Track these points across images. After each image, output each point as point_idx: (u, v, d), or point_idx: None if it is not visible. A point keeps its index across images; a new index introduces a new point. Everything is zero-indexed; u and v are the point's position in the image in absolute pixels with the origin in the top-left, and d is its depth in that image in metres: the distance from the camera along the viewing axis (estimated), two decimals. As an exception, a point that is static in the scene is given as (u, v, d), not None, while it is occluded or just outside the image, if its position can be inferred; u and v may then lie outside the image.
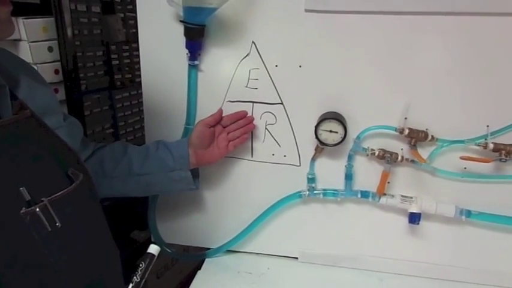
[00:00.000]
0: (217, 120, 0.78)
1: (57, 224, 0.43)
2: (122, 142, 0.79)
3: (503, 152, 0.72)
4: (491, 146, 0.72)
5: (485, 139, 0.73)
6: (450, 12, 0.69)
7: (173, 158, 0.74)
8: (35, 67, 0.92)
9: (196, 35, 0.75)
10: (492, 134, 0.73)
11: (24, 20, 0.88)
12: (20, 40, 0.90)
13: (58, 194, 0.44)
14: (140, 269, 0.49)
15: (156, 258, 0.51)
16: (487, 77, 0.72)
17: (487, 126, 0.74)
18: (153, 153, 0.76)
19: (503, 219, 0.77)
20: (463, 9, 0.68)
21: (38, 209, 0.42)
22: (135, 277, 0.50)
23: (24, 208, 0.41)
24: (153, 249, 0.52)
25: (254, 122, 0.82)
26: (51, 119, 0.55)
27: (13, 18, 0.85)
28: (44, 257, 0.43)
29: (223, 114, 0.79)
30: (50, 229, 0.43)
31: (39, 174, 0.45)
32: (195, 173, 0.79)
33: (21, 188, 0.41)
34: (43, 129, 0.47)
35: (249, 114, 0.81)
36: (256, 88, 0.80)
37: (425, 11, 0.70)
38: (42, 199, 0.43)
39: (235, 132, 0.79)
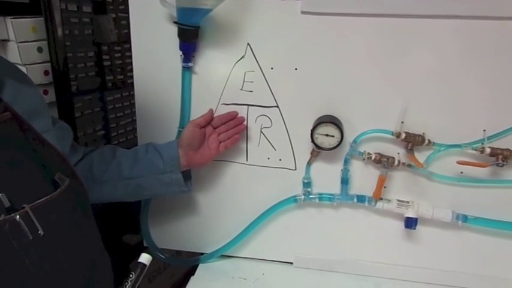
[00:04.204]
0: (208, 121, 0.77)
1: (39, 232, 0.41)
2: (111, 146, 0.77)
3: (500, 156, 0.72)
4: (488, 150, 0.72)
5: (482, 143, 0.73)
6: (447, 15, 0.69)
7: (163, 160, 0.73)
8: (24, 68, 0.90)
9: (191, 37, 0.74)
10: (489, 138, 0.73)
11: (13, 19, 0.85)
12: (8, 40, 0.88)
13: (41, 200, 0.42)
14: (130, 279, 0.47)
15: (147, 268, 0.50)
16: (484, 81, 0.71)
17: (484, 130, 0.73)
18: (142, 156, 0.74)
19: (499, 224, 0.77)
20: (460, 13, 0.68)
21: (18, 217, 0.40)
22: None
23: (3, 215, 0.39)
24: (144, 258, 0.50)
25: (249, 125, 0.81)
26: (39, 122, 0.53)
27: (1, 18, 0.84)
28: (24, 266, 0.41)
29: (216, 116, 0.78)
30: (31, 237, 0.41)
31: (20, 180, 0.43)
32: (187, 175, 0.78)
33: (0, 194, 0.40)
34: (27, 133, 0.45)
35: (244, 117, 0.80)
36: (251, 91, 0.79)
37: (422, 14, 0.69)
38: (23, 205, 0.41)
39: (226, 133, 0.78)
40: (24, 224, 0.40)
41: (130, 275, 0.48)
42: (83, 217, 0.50)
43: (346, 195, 0.81)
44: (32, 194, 0.42)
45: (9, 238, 0.40)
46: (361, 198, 0.80)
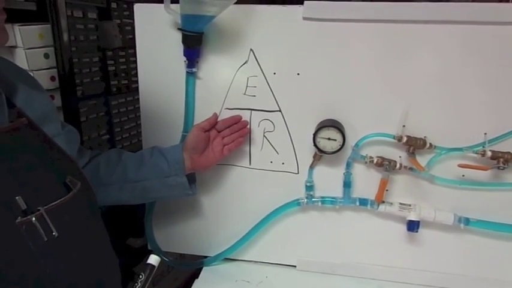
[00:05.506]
0: (212, 125, 0.78)
1: (53, 234, 0.43)
2: (117, 149, 0.79)
3: (501, 159, 0.72)
4: (489, 153, 0.72)
5: (483, 147, 0.74)
6: (448, 20, 0.70)
7: (168, 164, 0.74)
8: (31, 74, 0.91)
9: (195, 43, 0.75)
10: (490, 141, 0.74)
11: (20, 26, 0.87)
12: (16, 47, 0.89)
13: (55, 202, 0.44)
14: (140, 280, 0.48)
15: (156, 268, 0.50)
16: (484, 85, 0.72)
17: (485, 134, 0.74)
18: (148, 159, 0.75)
19: (501, 226, 0.77)
20: (461, 18, 0.69)
21: (33, 219, 0.41)
22: (135, 289, 0.49)
23: (19, 217, 0.41)
24: (153, 259, 0.51)
25: (252, 130, 0.82)
26: (50, 127, 0.55)
27: (9, 25, 0.86)
28: (39, 267, 0.42)
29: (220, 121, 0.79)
30: (46, 239, 0.42)
31: (35, 183, 0.44)
32: (192, 179, 0.79)
33: (17, 197, 0.41)
34: (40, 138, 0.46)
35: (248, 121, 0.81)
36: (254, 95, 0.80)
37: (423, 19, 0.70)
38: (39, 208, 0.42)
39: (230, 136, 0.79)
40: (40, 225, 0.42)
41: (140, 276, 0.49)
42: (92, 219, 0.52)
43: (348, 199, 0.82)
44: (46, 196, 0.44)
45: (25, 239, 0.41)
46: (363, 202, 0.81)
